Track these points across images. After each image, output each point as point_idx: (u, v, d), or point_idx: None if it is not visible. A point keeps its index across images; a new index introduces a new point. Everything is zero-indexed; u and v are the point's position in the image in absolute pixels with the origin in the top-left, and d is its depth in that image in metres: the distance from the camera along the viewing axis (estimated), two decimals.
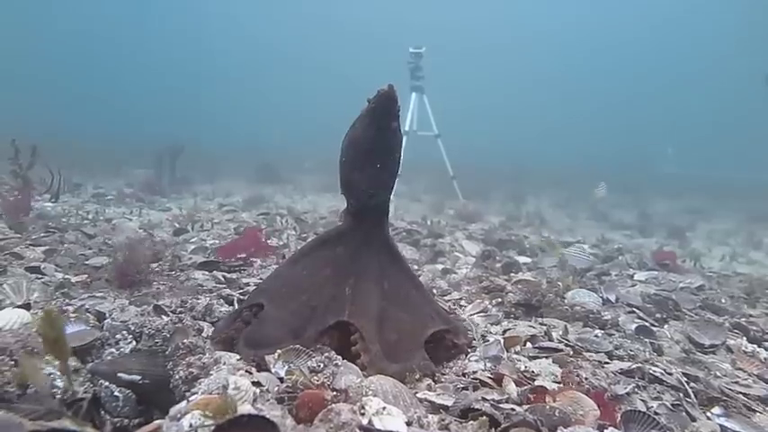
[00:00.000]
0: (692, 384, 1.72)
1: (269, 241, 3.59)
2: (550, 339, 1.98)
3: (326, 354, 1.50)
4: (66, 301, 2.00)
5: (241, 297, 2.26)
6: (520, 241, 4.24)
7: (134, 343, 1.60)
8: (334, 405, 1.23)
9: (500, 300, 2.53)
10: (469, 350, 1.83)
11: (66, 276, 2.38)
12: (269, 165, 9.81)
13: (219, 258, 2.85)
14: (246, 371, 1.42)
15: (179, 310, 1.91)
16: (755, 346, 2.22)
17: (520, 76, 27.62)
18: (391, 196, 1.79)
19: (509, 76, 27.69)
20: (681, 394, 1.64)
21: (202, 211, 4.86)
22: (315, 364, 1.46)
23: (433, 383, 1.58)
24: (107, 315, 1.81)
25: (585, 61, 26.11)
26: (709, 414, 1.55)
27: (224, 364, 1.43)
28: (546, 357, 1.79)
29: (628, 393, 1.57)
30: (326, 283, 1.69)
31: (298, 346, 1.55)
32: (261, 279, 2.56)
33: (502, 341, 1.86)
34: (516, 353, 1.85)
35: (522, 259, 3.70)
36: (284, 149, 13.62)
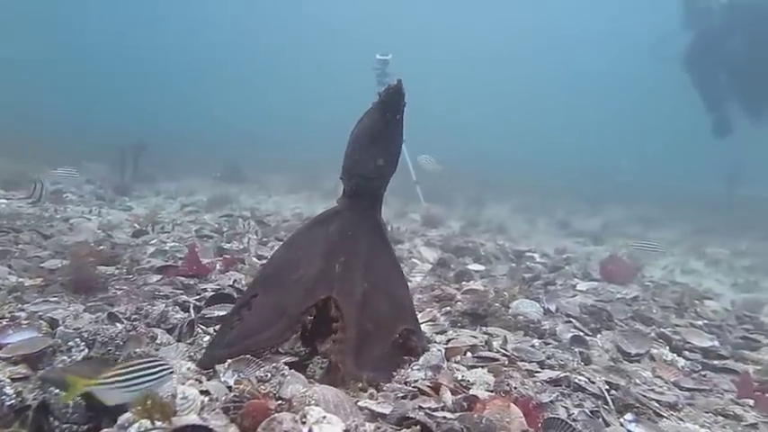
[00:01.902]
0: (612, 392, 1.89)
1: (229, 245, 3.65)
2: (490, 349, 2.12)
3: (275, 364, 1.59)
4: (19, 306, 2.01)
5: (198, 303, 2.32)
6: (476, 248, 4.40)
7: (87, 351, 1.65)
8: (276, 414, 1.33)
9: (449, 309, 2.66)
10: (413, 359, 1.95)
11: (20, 280, 2.38)
12: (235, 164, 9.74)
13: (177, 264, 2.89)
14: (196, 379, 1.50)
15: (134, 317, 1.96)
16: (675, 355, 2.43)
17: (502, 84, 28.22)
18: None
19: (493, 83, 28.18)
20: (600, 402, 1.80)
21: (164, 212, 4.84)
22: (263, 374, 1.55)
23: (375, 392, 1.70)
24: (60, 322, 1.84)
25: (559, 72, 26.84)
26: (621, 420, 1.72)
27: (176, 372, 1.51)
28: (483, 367, 1.93)
29: (552, 401, 1.72)
30: (317, 260, 1.79)
31: (249, 355, 1.64)
32: (218, 285, 2.62)
33: (443, 351, 1.99)
34: (457, 362, 1.99)
35: (475, 267, 3.85)
36: (254, 148, 13.48)
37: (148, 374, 1.23)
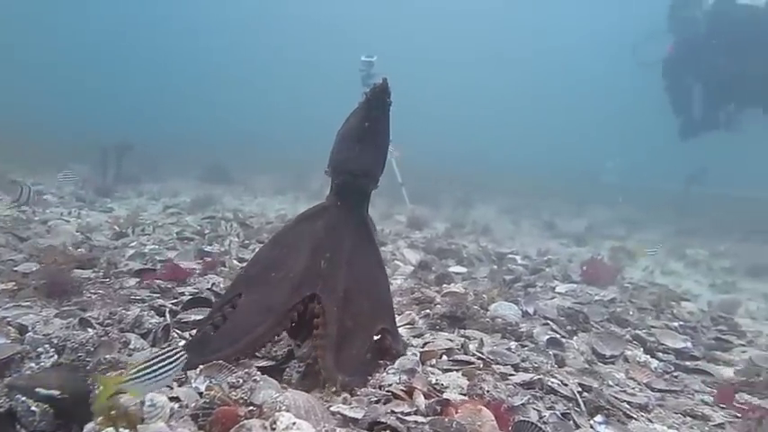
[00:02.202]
0: (584, 394, 1.92)
1: (210, 247, 3.62)
2: (466, 352, 2.14)
3: (246, 369, 1.59)
4: None
5: (174, 308, 2.31)
6: (459, 250, 4.43)
7: (56, 357, 1.64)
8: (246, 421, 1.33)
9: (428, 311, 2.68)
10: (388, 362, 1.96)
11: None
12: (222, 165, 9.69)
13: (155, 267, 2.87)
14: (167, 386, 1.49)
15: (107, 322, 1.95)
16: (649, 356, 2.47)
17: (495, 86, 28.38)
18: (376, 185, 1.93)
19: (485, 85, 28.33)
20: (572, 404, 1.83)
21: (145, 213, 4.80)
22: (235, 380, 1.55)
23: (349, 396, 1.70)
24: (30, 328, 1.82)
25: (550, 75, 27.08)
26: (591, 422, 1.74)
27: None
28: (457, 370, 1.94)
29: (523, 404, 1.74)
30: (303, 257, 1.81)
31: (221, 361, 1.64)
32: (197, 288, 2.61)
33: (418, 354, 2.00)
34: (432, 366, 2.00)
35: (458, 269, 3.88)
36: (243, 148, 13.41)
37: (170, 362, 1.30)
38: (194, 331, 2.09)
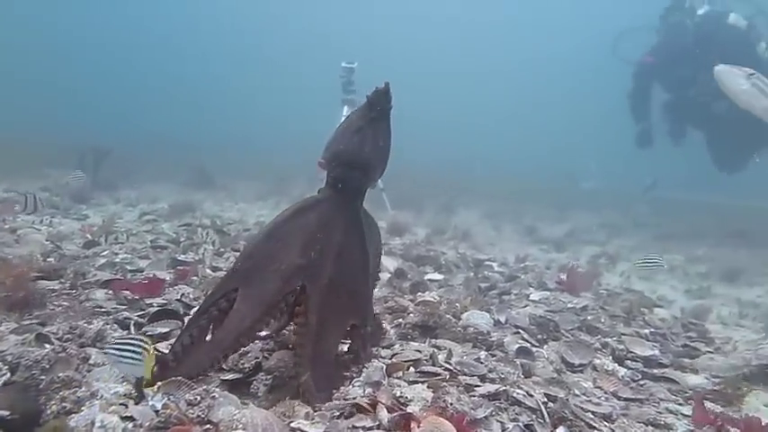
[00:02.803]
0: (550, 405, 1.93)
1: (184, 256, 3.59)
2: (434, 364, 2.14)
3: (205, 386, 1.57)
4: None
5: (140, 320, 2.27)
6: (437, 257, 4.44)
7: (9, 375, 1.60)
8: None
9: (400, 321, 2.68)
10: (355, 374, 1.95)
11: None
12: (203, 169, 9.61)
13: (125, 278, 2.82)
14: (122, 404, 1.46)
15: (66, 337, 1.91)
16: (617, 364, 2.49)
17: (484, 92, 28.59)
18: (376, 185, 1.97)
19: (473, 92, 28.53)
20: (536, 415, 1.84)
21: (121, 221, 4.73)
22: (192, 397, 1.53)
23: (312, 411, 1.69)
24: None
25: (536, 78, 27.36)
26: None
27: (100, 398, 1.47)
28: (423, 382, 1.94)
29: (486, 417, 1.74)
30: (295, 249, 1.83)
31: (180, 378, 1.62)
32: (165, 300, 2.57)
33: (384, 366, 2.00)
34: (399, 378, 1.99)
35: (435, 276, 3.88)
36: (228, 153, 13.31)
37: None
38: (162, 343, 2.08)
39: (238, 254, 2.01)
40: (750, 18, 7.36)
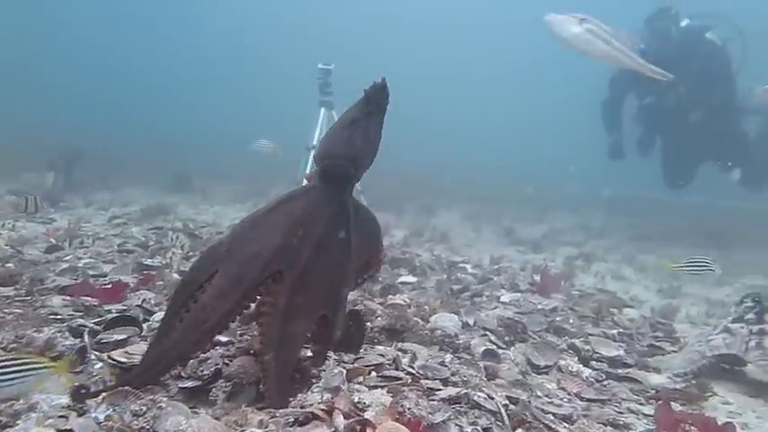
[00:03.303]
0: (511, 407, 1.92)
1: (151, 260, 3.52)
2: (397, 368, 2.12)
3: (151, 396, 1.53)
4: None
5: (96, 327, 2.21)
6: (412, 259, 4.42)
7: None
8: None
9: (368, 324, 2.65)
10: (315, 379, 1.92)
11: None
12: (183, 171, 9.48)
13: (86, 282, 2.75)
14: (62, 416, 1.41)
15: (11, 347, 1.84)
16: (582, 365, 2.50)
17: (464, 89, 28.69)
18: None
19: (453, 89, 28.57)
20: (495, 418, 1.83)
21: (88, 225, 4.63)
22: (138, 407, 1.48)
23: (266, 418, 1.66)
24: None
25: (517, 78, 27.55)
26: None
27: (38, 410, 1.42)
28: (384, 387, 1.92)
29: (444, 421, 1.72)
30: (278, 234, 1.84)
31: (126, 387, 1.57)
32: (125, 306, 2.51)
33: (344, 371, 1.97)
34: (359, 383, 1.97)
35: (408, 279, 3.87)
36: (202, 155, 13.13)
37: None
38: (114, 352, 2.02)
39: (222, 237, 2.00)
40: (724, 40, 7.60)
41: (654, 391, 2.33)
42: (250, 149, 6.38)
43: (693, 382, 2.45)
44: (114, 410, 1.45)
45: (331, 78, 6.41)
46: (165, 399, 1.53)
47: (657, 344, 2.97)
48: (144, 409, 1.46)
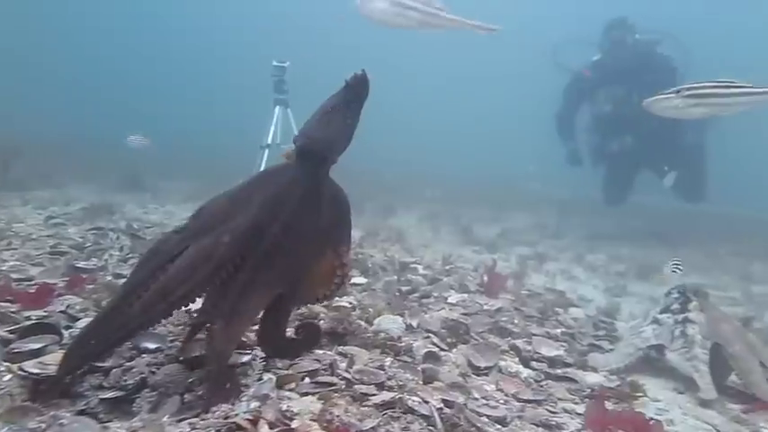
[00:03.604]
0: (445, 411, 1.90)
1: (85, 263, 3.34)
2: (332, 373, 2.06)
3: (53, 412, 1.43)
4: None
5: (9, 336, 2.06)
6: (364, 260, 4.37)
7: None
8: None
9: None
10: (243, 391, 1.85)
11: None
12: (134, 169, 9.12)
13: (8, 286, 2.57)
14: None
15: None
16: (521, 366, 2.52)
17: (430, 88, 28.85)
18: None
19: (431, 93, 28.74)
20: (427, 423, 1.80)
21: (21, 225, 4.36)
22: (37, 425, 1.38)
23: (186, 431, 1.58)
24: None
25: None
26: None
27: None
28: (315, 394, 1.86)
29: (374, 428, 1.69)
30: (251, 211, 1.87)
31: (27, 403, 1.46)
32: (46, 312, 2.36)
33: (274, 378, 1.90)
34: (291, 390, 1.90)
35: (358, 280, 3.81)
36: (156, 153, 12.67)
37: None
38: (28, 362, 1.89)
39: (196, 211, 2.00)
40: (671, 55, 8.14)
41: (589, 390, 2.36)
42: (123, 144, 6.28)
43: (627, 379, 2.51)
44: (9, 429, 1.35)
45: (286, 76, 6.29)
46: (68, 415, 1.43)
47: (597, 343, 3.03)
48: (43, 426, 1.36)
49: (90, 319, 2.31)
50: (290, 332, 2.41)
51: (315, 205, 2.01)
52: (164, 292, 1.75)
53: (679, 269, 3.66)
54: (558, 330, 3.16)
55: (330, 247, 2.15)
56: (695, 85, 2.77)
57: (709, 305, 2.88)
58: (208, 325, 1.85)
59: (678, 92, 2.79)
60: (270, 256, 1.86)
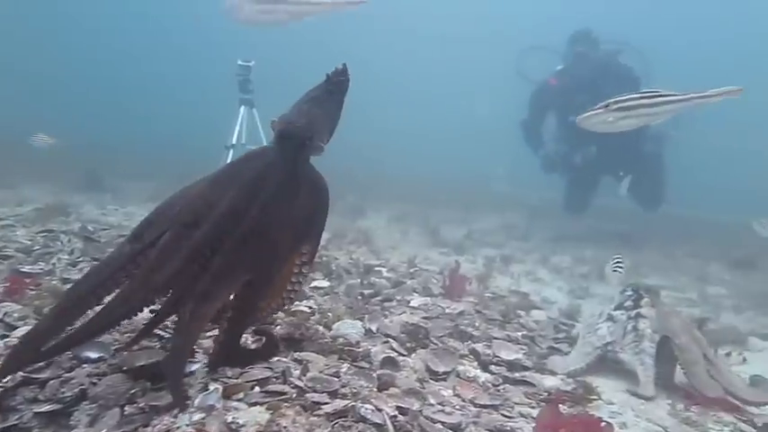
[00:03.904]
0: (399, 418, 1.87)
1: (31, 267, 3.18)
2: (284, 381, 2.01)
3: None
4: None
5: None
6: (328, 263, 4.31)
7: None
8: None
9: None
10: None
11: None
12: (93, 169, 8.81)
13: None
14: None
15: None
16: (479, 370, 2.51)
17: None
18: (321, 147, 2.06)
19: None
20: (380, 431, 1.77)
21: None
22: None
23: None
24: None
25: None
26: None
27: None
28: (264, 404, 1.80)
29: None
30: (229, 195, 1.86)
31: None
32: None
33: (221, 388, 1.83)
34: (239, 400, 1.84)
35: (321, 283, 3.75)
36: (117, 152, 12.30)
37: None
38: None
39: (173, 199, 1.98)
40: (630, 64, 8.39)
41: (546, 394, 2.37)
42: (28, 144, 6.17)
43: (583, 381, 2.53)
44: None
45: (252, 75, 6.18)
46: None
47: (557, 345, 3.05)
48: None
49: (28, 327, 2.21)
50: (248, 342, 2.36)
51: (293, 190, 1.99)
52: (145, 280, 1.76)
53: (620, 269, 3.73)
54: (520, 333, 3.17)
55: (305, 239, 2.11)
56: (622, 98, 2.86)
57: (660, 302, 2.97)
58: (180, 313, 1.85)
59: (607, 106, 2.87)
60: (246, 238, 1.86)
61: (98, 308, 1.84)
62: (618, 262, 3.74)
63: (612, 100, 2.85)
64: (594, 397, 2.37)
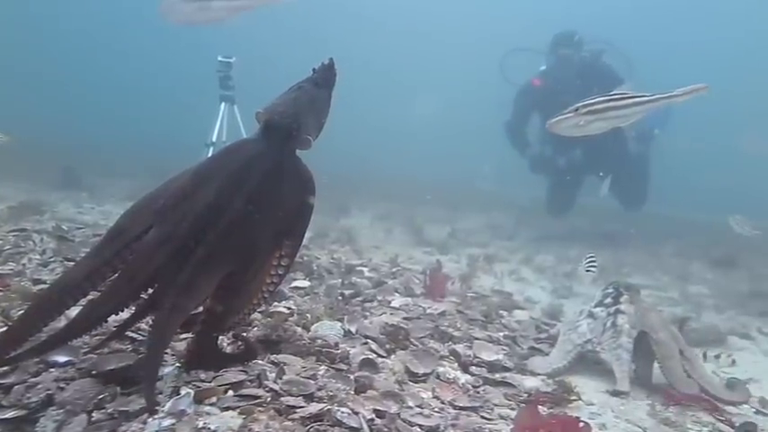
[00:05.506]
0: (376, 421, 1.84)
1: (2, 267, 3.08)
2: (259, 385, 1.96)
3: None
4: None
5: None
6: (310, 262, 4.26)
7: None
8: None
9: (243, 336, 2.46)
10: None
11: None
12: (70, 167, 8.63)
13: None
14: None
15: None
16: (460, 371, 2.49)
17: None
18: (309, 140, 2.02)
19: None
20: None
21: None
22: None
23: None
24: None
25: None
26: None
27: None
28: (237, 408, 1.75)
29: None
30: (213, 187, 1.82)
31: None
32: None
33: (192, 392, 1.78)
34: (211, 404, 1.78)
35: (301, 283, 3.70)
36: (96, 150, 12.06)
37: None
38: None
39: (158, 192, 1.90)
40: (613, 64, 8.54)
41: (526, 395, 2.36)
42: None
43: (563, 381, 2.52)
44: None
45: (233, 72, 6.09)
46: None
47: (538, 346, 3.05)
48: None
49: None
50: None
51: (278, 181, 1.95)
52: (131, 275, 1.73)
53: (593, 268, 3.76)
54: (501, 334, 3.16)
55: (288, 233, 2.05)
56: (590, 101, 2.86)
57: (639, 299, 3.00)
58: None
59: (576, 110, 2.87)
60: (230, 229, 1.82)
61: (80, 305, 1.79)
62: (591, 262, 3.76)
63: (581, 104, 2.86)
64: (574, 398, 2.36)
